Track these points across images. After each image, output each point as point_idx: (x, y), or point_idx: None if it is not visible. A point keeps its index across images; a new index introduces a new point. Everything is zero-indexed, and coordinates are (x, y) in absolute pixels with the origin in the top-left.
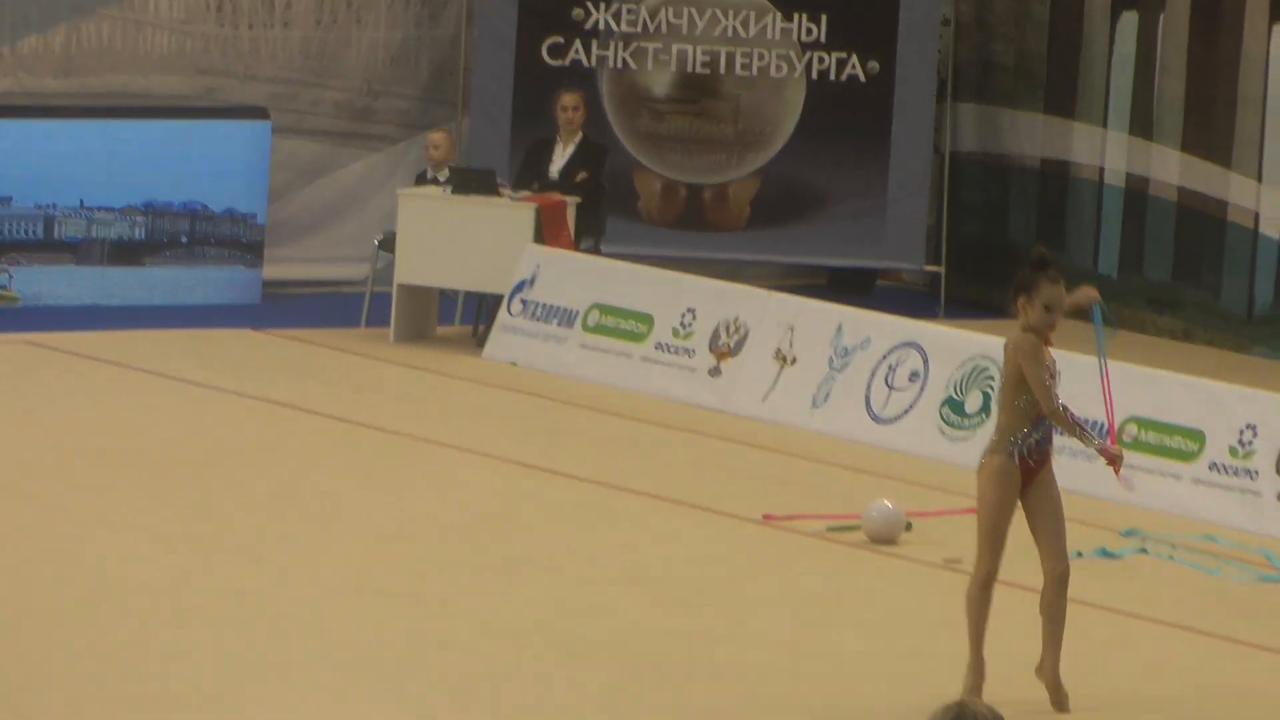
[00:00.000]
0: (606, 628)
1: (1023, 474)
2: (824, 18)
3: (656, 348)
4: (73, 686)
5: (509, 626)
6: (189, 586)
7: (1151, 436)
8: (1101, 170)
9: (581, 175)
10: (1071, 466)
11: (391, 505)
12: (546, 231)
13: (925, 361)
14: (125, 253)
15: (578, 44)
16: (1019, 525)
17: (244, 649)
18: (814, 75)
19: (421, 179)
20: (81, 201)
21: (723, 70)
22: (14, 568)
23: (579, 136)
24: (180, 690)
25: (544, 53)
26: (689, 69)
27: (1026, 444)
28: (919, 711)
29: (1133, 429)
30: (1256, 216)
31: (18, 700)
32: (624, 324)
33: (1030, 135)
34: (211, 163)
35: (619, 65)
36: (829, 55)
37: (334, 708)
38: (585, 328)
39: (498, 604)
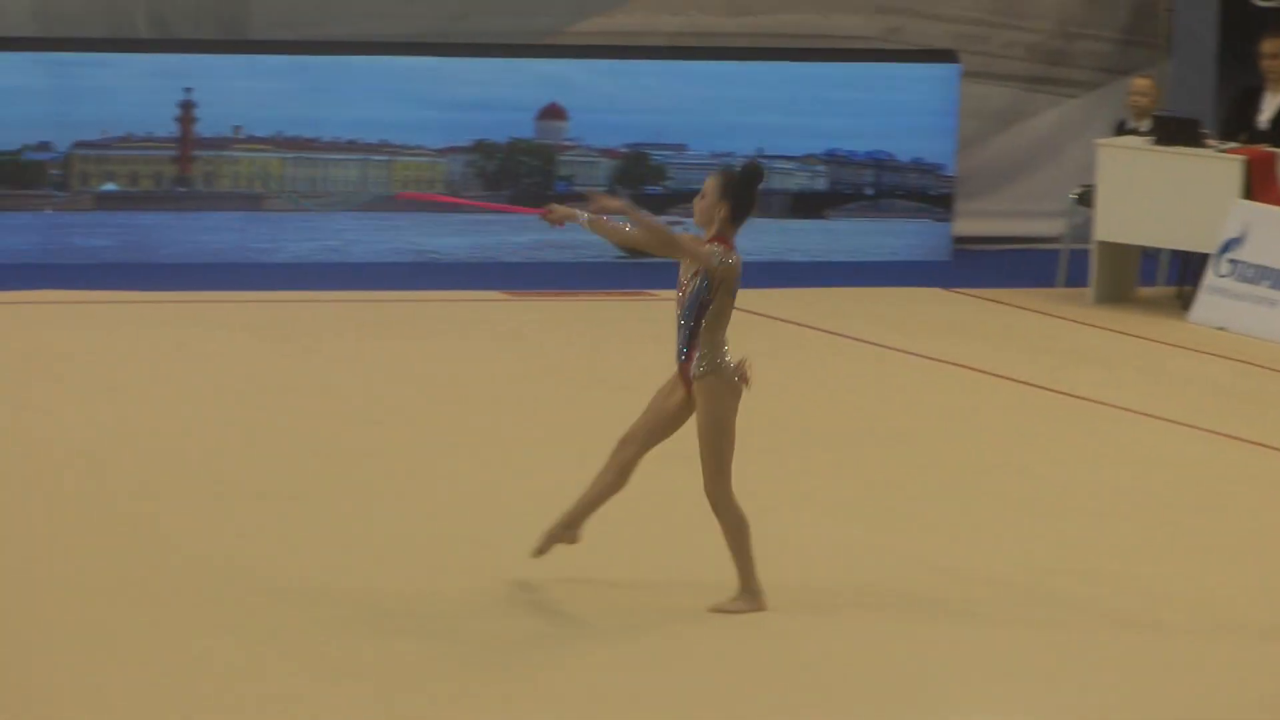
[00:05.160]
0: None
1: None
2: None
3: None
4: (784, 676)
5: (1228, 619)
6: (872, 562)
7: None
8: None
9: None
10: None
11: (1089, 479)
12: (1256, 187)
13: None
14: (806, 205)
15: None
16: None
17: (926, 633)
18: None
19: (1121, 128)
20: (759, 149)
21: None
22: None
23: None
24: (882, 682)
25: None
26: None
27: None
28: None
29: None
30: None
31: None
32: None
33: None
34: (896, 109)
35: None
36: None
37: (1041, 697)
38: None
39: (1209, 590)
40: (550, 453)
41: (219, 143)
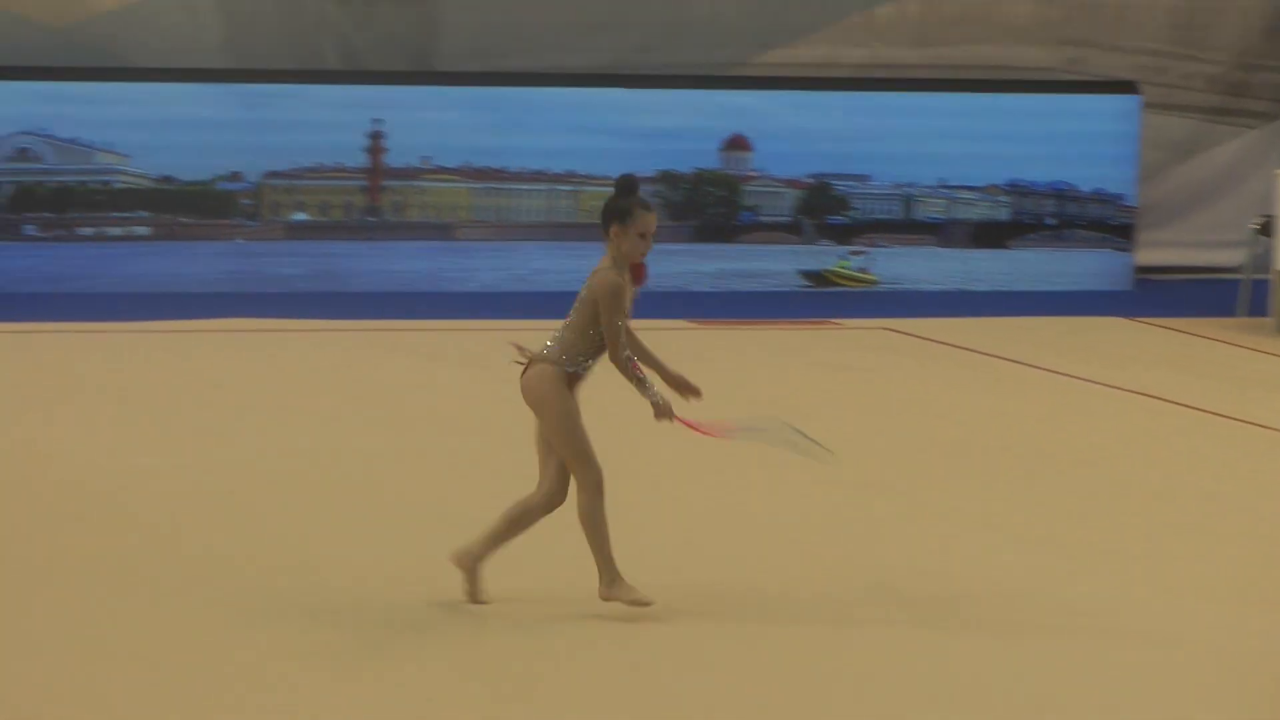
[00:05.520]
0: None
1: None
2: None
3: None
4: (926, 694)
5: None
6: (1050, 594)
7: None
8: None
9: None
10: None
11: (1272, 507)
12: None
13: None
14: (988, 234)
15: None
16: None
17: (1114, 659)
18: None
19: None
20: (942, 180)
21: None
22: (869, 563)
23: None
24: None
25: None
26: None
27: (581, 369)
28: None
29: None
30: None
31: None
32: None
33: None
34: (1077, 139)
35: None
36: None
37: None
38: None
39: None
40: (713, 475)
41: (408, 173)
